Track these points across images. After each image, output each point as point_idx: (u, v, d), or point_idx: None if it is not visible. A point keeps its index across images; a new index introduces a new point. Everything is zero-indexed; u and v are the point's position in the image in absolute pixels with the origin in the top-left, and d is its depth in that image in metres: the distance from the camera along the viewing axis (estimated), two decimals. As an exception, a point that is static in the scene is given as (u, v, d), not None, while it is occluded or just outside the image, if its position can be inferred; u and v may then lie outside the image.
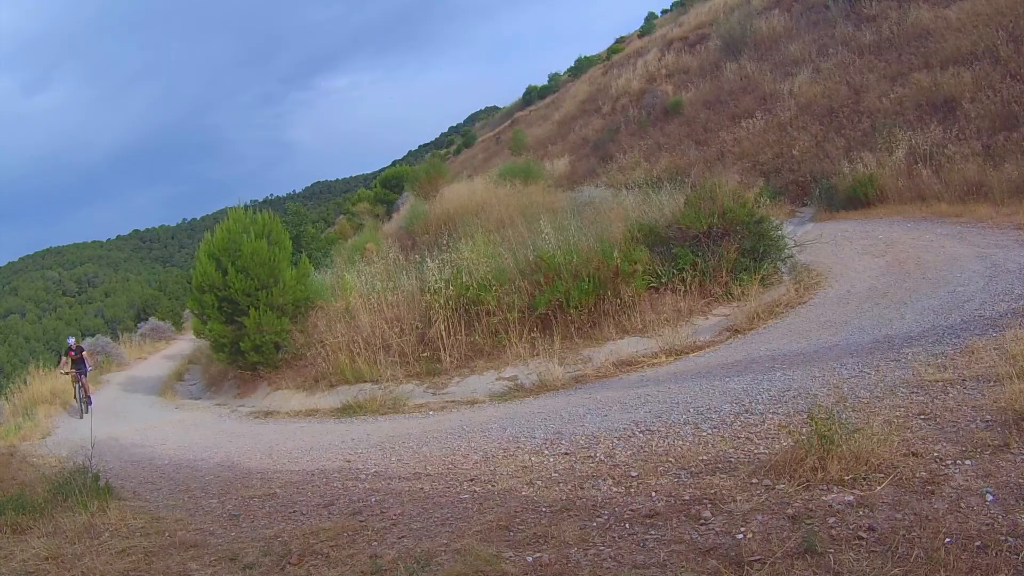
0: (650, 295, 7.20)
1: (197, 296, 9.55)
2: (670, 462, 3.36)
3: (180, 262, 72.54)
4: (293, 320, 9.14)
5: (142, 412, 9.68)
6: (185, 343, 16.28)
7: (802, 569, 2.11)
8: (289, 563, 2.86)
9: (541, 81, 39.99)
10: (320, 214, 56.64)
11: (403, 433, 5.52)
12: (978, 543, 2.06)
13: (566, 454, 3.91)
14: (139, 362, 15.76)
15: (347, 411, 6.90)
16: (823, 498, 2.53)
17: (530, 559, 2.51)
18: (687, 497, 2.82)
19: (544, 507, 3.06)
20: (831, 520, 2.36)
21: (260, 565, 2.91)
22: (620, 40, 36.45)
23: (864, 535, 2.22)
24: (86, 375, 10.41)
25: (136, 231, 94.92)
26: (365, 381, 7.59)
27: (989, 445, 2.68)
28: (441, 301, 7.64)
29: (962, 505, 2.30)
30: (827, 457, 2.70)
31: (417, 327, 7.93)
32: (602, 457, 3.70)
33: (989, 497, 2.32)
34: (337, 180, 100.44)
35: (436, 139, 77.13)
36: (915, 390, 3.55)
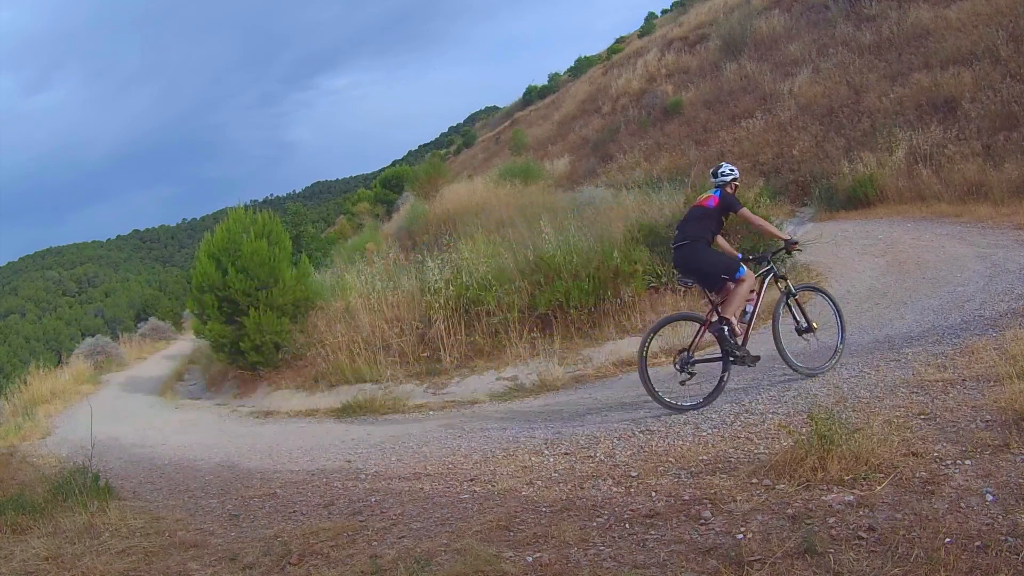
0: (650, 295, 7.20)
1: (197, 296, 9.54)
2: (670, 462, 3.36)
3: (180, 262, 72.48)
4: (293, 320, 9.14)
5: (142, 412, 9.67)
6: (185, 343, 16.28)
7: (802, 569, 2.11)
8: (289, 563, 2.86)
9: (541, 81, 39.96)
10: (320, 214, 56.69)
11: (403, 433, 5.52)
12: (978, 543, 2.06)
13: (566, 454, 3.91)
14: (139, 362, 15.74)
15: (347, 411, 6.90)
16: (823, 498, 2.53)
17: (530, 559, 2.51)
18: (687, 497, 2.82)
19: (544, 507, 3.05)
20: (831, 520, 2.36)
21: (260, 565, 2.91)
22: (620, 40, 36.41)
23: (864, 535, 2.22)
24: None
25: (136, 231, 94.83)
26: (365, 381, 7.59)
27: (989, 445, 2.68)
28: (441, 301, 7.65)
29: (962, 505, 2.30)
30: (827, 457, 2.70)
31: (417, 327, 7.93)
32: (602, 457, 3.70)
33: (989, 497, 2.31)
34: (337, 180, 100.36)
35: (436, 139, 77.12)
36: (915, 390, 3.55)
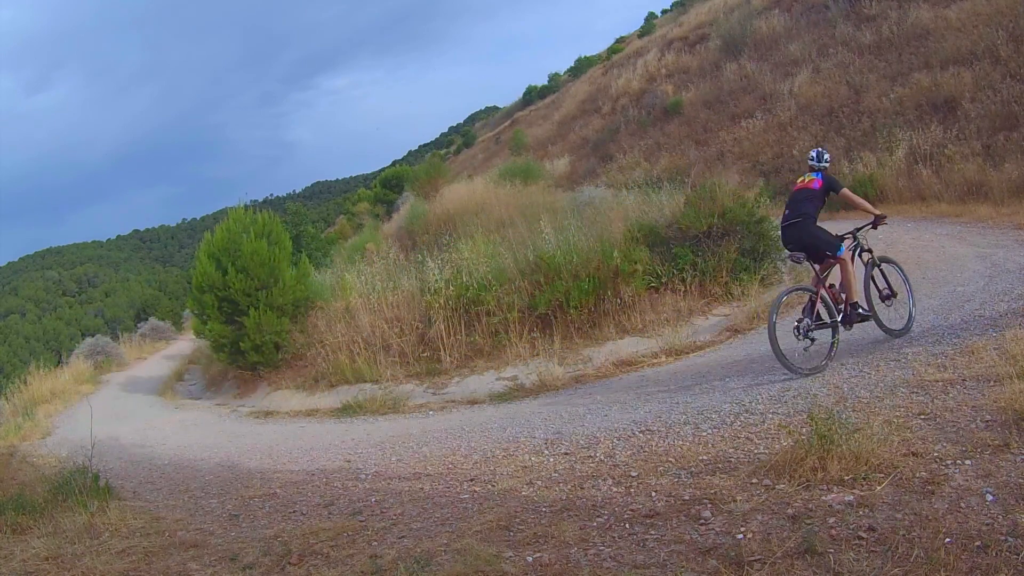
0: (650, 295, 7.20)
1: (197, 296, 9.54)
2: (670, 462, 3.36)
3: (180, 262, 72.46)
4: (293, 320, 9.14)
5: (142, 412, 9.67)
6: (185, 343, 16.27)
7: (802, 569, 2.11)
8: (289, 563, 2.86)
9: (541, 81, 39.95)
10: (320, 214, 56.62)
11: (403, 433, 5.52)
12: (978, 543, 2.06)
13: (566, 454, 3.91)
14: (139, 362, 15.74)
15: (347, 411, 6.91)
16: (823, 498, 2.53)
17: (530, 559, 2.51)
18: (687, 497, 2.82)
19: (544, 507, 3.06)
20: (831, 520, 2.36)
21: (260, 565, 2.91)
22: (620, 40, 36.40)
23: (864, 535, 2.22)
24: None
25: (136, 231, 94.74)
26: (365, 381, 7.59)
27: (989, 445, 2.68)
28: (441, 301, 7.64)
29: (962, 505, 2.30)
30: (827, 457, 2.70)
31: (417, 327, 7.93)
32: (602, 457, 3.70)
33: (989, 497, 2.31)
34: (337, 180, 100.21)
35: (436, 139, 77.07)
36: (915, 390, 3.54)
